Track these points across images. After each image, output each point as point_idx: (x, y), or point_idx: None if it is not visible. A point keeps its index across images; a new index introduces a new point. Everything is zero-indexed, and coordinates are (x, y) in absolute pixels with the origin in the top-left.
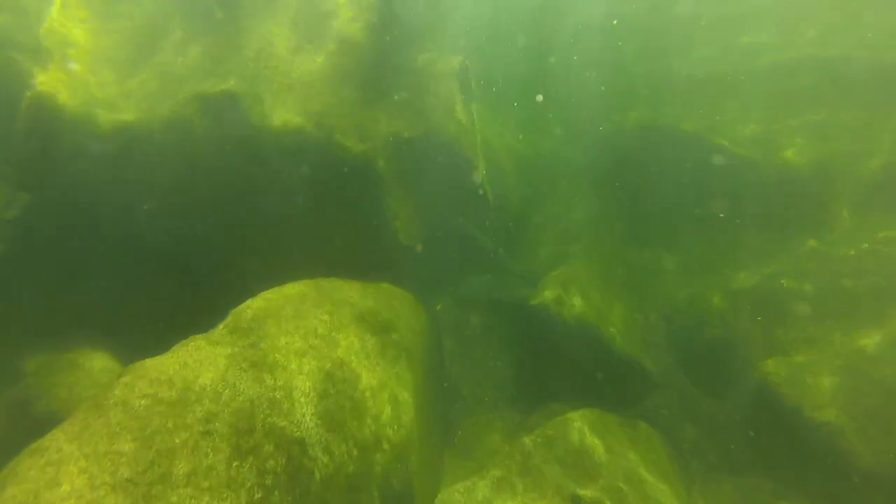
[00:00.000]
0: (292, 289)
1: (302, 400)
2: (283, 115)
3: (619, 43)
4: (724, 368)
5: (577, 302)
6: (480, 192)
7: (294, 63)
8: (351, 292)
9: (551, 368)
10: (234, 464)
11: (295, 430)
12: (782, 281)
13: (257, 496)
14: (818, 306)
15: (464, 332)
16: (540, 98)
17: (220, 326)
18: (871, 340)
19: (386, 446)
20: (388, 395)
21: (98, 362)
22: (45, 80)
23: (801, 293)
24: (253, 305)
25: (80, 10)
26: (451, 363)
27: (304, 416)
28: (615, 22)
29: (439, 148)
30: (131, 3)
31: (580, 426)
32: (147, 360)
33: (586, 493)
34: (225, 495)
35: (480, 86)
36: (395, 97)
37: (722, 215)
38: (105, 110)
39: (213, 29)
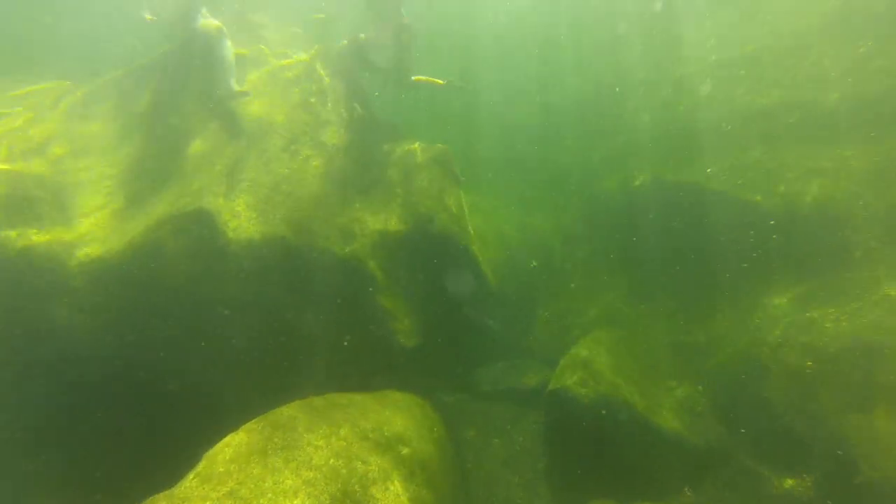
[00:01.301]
0: (279, 415)
1: None
2: (261, 227)
3: (600, 111)
4: (792, 434)
5: (602, 379)
6: (480, 278)
7: (269, 173)
8: (350, 408)
9: (588, 459)
10: None
11: None
12: (826, 325)
13: None
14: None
15: (485, 428)
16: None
17: (190, 476)
18: None
19: None
20: None
21: None
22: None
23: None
24: (232, 442)
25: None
26: (475, 466)
27: None
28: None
29: (431, 239)
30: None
31: None
32: None
33: None
34: None
35: (465, 171)
36: (379, 194)
37: (745, 265)
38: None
39: (180, 143)
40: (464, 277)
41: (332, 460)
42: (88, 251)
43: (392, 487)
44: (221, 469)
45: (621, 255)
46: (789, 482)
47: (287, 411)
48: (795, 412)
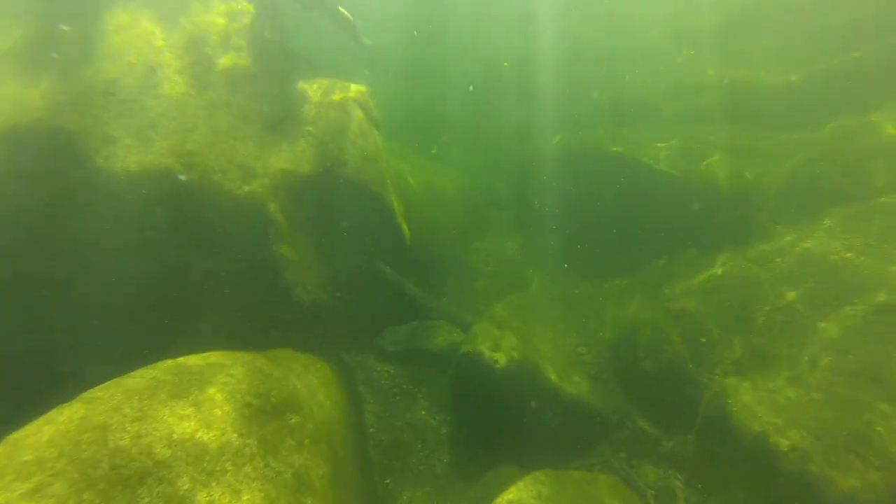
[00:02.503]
0: (135, 379)
1: None
2: (143, 156)
3: (528, 78)
4: (679, 398)
5: (514, 344)
6: (395, 231)
7: (157, 96)
8: (234, 369)
9: (494, 425)
10: None
11: None
12: (722, 296)
13: None
14: (762, 319)
15: (389, 391)
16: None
17: None
18: (817, 349)
19: None
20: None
21: None
22: None
23: (744, 308)
24: (58, 418)
25: None
26: (378, 430)
27: None
28: (506, 64)
29: (343, 185)
30: None
31: (534, 493)
32: None
33: None
34: None
35: (386, 116)
36: (287, 130)
37: (662, 234)
38: None
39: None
40: (376, 229)
41: (199, 433)
42: None
43: (274, 463)
44: (30, 457)
45: (543, 220)
46: (672, 441)
47: (148, 373)
48: (679, 376)
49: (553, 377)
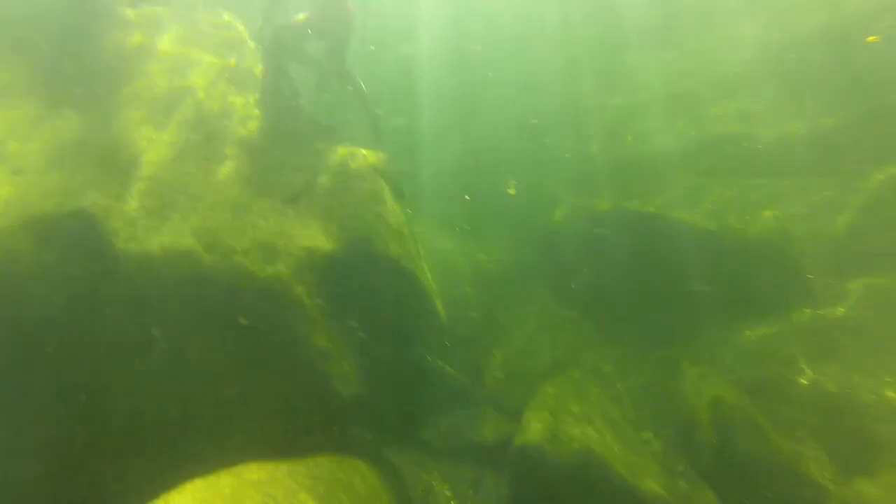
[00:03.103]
0: (201, 494)
1: None
2: (163, 237)
3: (546, 140)
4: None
5: (573, 434)
6: (430, 311)
7: (175, 171)
8: (270, 487)
9: None
10: None
11: None
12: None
13: None
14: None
15: (442, 494)
16: (467, 197)
17: None
18: None
19: None
20: None
21: None
22: None
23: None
24: None
25: None
26: None
27: None
28: (535, 121)
29: (371, 262)
30: None
31: None
32: None
33: None
34: None
35: (409, 186)
36: (308, 204)
37: (705, 297)
38: None
39: (60, 132)
40: (410, 309)
41: None
42: None
43: None
44: None
45: (581, 290)
46: None
47: (174, 500)
48: (787, 474)
49: (624, 472)
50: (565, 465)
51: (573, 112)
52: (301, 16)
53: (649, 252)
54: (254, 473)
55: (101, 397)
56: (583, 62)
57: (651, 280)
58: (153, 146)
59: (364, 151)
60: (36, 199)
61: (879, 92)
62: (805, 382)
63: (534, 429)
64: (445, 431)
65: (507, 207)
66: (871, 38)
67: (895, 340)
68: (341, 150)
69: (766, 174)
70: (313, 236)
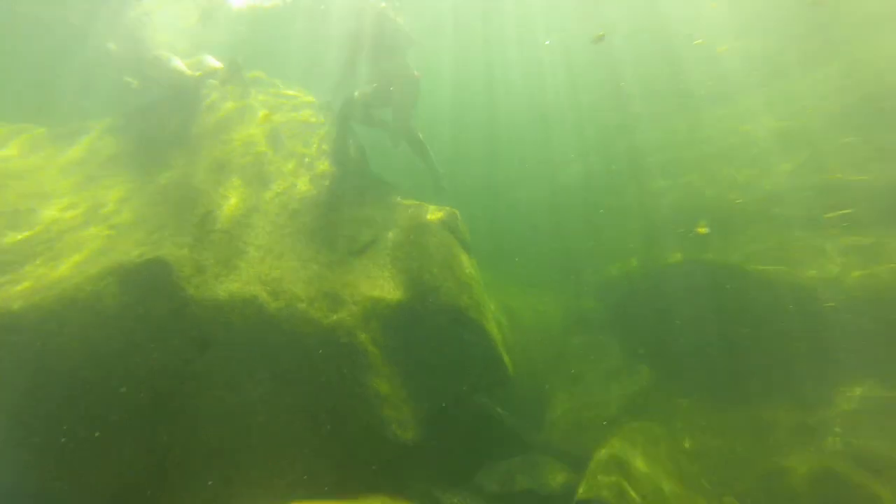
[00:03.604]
0: None
1: None
2: (231, 284)
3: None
4: None
5: (642, 490)
6: (495, 361)
7: (246, 225)
8: None
9: None
10: None
11: None
12: None
13: None
14: None
15: None
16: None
17: None
18: None
19: None
20: None
21: None
22: None
23: None
24: None
25: None
26: None
27: None
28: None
29: (436, 312)
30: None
31: None
32: None
33: None
34: None
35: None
36: (375, 256)
37: (793, 354)
38: None
39: (151, 193)
40: (476, 360)
41: None
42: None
43: None
44: None
45: (647, 342)
46: None
47: None
48: None
49: None
50: None
51: (646, 162)
52: (371, 86)
53: (724, 304)
54: None
55: (164, 427)
56: (653, 112)
57: (726, 333)
58: (227, 202)
59: (432, 206)
60: (123, 249)
61: None
62: None
63: (600, 483)
64: (502, 477)
65: (572, 261)
66: None
67: None
68: (409, 205)
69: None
70: (379, 286)
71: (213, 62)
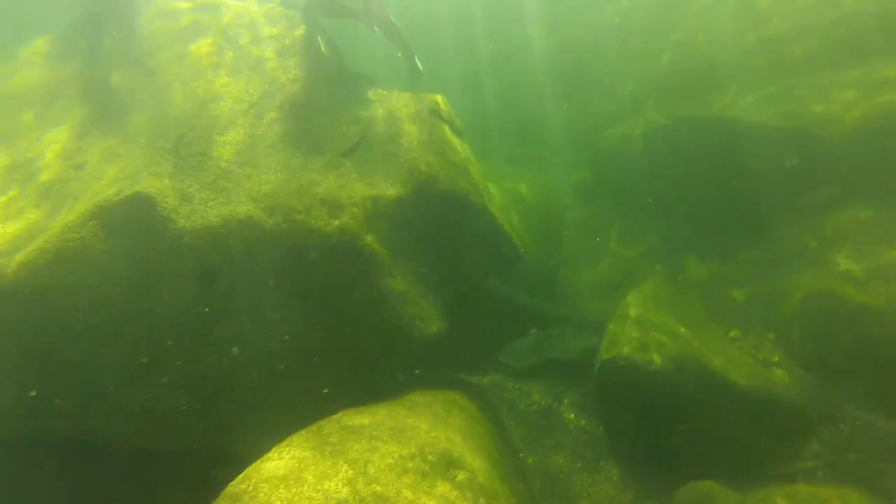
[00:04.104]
0: (274, 462)
1: None
2: (221, 208)
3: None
4: None
5: (663, 340)
6: (502, 241)
7: (224, 143)
8: (376, 430)
9: (657, 434)
10: None
11: None
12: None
13: None
14: None
15: (528, 410)
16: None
17: None
18: None
19: None
20: None
21: None
22: None
23: None
24: None
25: None
26: (528, 453)
27: None
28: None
29: (437, 202)
30: None
31: None
32: None
33: None
34: None
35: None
36: (366, 154)
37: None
38: None
39: (111, 123)
40: (485, 242)
41: None
42: None
43: None
44: None
45: (644, 205)
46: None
47: (286, 454)
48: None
49: (720, 371)
50: (658, 372)
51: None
52: None
53: (716, 159)
54: (354, 419)
55: (191, 365)
56: None
57: (719, 186)
58: (198, 121)
59: (418, 95)
60: (97, 189)
61: None
62: None
63: (620, 339)
64: (524, 352)
65: (562, 135)
66: None
67: None
68: (393, 97)
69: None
70: (376, 184)
71: None
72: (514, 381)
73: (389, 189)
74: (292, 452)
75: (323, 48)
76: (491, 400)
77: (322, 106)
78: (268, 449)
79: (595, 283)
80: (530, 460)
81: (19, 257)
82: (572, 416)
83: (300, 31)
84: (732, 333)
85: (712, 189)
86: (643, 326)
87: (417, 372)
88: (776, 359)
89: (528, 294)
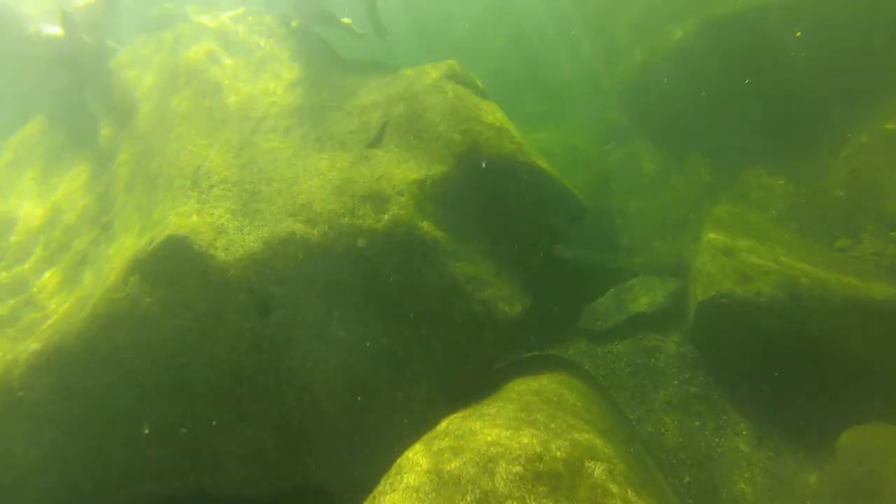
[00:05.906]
0: (391, 498)
1: None
2: (260, 231)
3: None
4: None
5: (764, 265)
6: (562, 193)
7: (243, 165)
8: (486, 431)
9: (785, 374)
10: None
11: None
12: None
13: None
14: None
15: (623, 372)
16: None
17: None
18: None
19: None
20: None
21: None
22: None
23: None
24: None
25: None
26: (639, 420)
27: None
28: None
29: (487, 169)
30: None
31: None
32: None
33: None
34: None
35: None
36: (394, 138)
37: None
38: None
39: (117, 177)
40: (545, 200)
41: None
42: (35, 347)
43: None
44: None
45: (685, 132)
46: None
47: (398, 486)
48: None
49: (841, 286)
50: (770, 303)
51: None
52: None
53: (748, 58)
54: (462, 425)
55: (270, 404)
56: None
57: (764, 84)
58: (210, 150)
59: (428, 65)
60: (128, 244)
61: None
62: None
63: (715, 275)
64: (605, 313)
65: (581, 81)
66: None
67: None
68: (404, 74)
69: None
70: (416, 166)
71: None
72: (600, 346)
73: (431, 168)
74: (405, 481)
75: (314, 44)
76: (590, 371)
77: (332, 101)
78: (374, 479)
79: (658, 223)
80: (645, 427)
81: (70, 327)
82: (674, 370)
83: (292, 38)
84: (840, 243)
85: (752, 93)
86: (736, 255)
87: (513, 357)
88: (886, 262)
89: (594, 250)
